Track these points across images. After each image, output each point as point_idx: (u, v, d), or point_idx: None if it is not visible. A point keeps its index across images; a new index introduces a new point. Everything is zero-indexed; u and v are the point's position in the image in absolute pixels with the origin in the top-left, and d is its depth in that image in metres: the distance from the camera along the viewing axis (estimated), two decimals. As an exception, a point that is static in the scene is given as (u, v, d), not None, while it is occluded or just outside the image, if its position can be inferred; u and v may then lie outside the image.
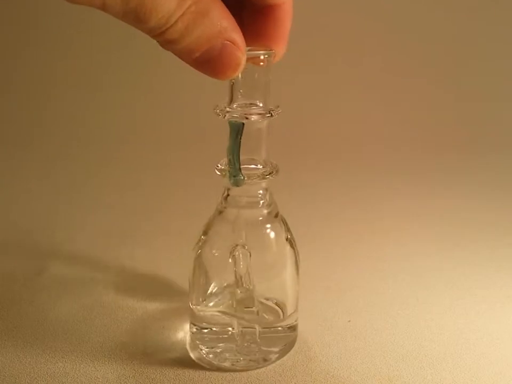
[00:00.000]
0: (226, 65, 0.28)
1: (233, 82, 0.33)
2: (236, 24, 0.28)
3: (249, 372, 0.38)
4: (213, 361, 0.38)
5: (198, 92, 0.88)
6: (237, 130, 0.33)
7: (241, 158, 0.34)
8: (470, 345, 0.41)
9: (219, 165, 0.35)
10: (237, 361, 0.38)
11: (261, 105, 0.33)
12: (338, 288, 0.49)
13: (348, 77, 0.93)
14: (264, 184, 0.36)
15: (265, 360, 0.38)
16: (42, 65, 0.93)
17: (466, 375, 0.38)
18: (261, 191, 0.36)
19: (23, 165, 0.80)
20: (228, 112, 0.33)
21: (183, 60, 0.28)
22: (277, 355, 0.39)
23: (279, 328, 0.39)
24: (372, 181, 0.75)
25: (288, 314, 0.39)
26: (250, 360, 0.38)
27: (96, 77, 0.94)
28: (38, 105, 0.91)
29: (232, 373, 0.38)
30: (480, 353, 0.40)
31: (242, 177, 0.34)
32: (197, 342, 0.39)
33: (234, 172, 0.34)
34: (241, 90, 0.33)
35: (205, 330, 0.39)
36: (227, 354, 0.38)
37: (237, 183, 0.34)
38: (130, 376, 0.37)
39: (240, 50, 0.28)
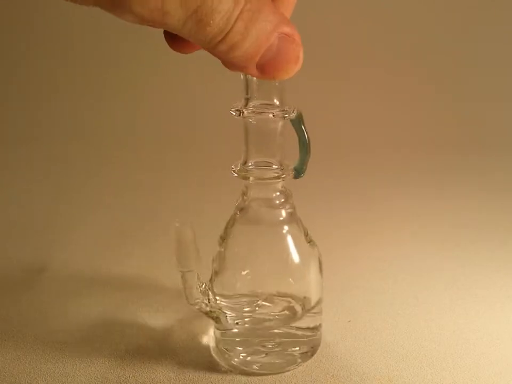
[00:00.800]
0: (287, 60, 0.26)
1: (248, 83, 0.32)
2: (285, 16, 0.26)
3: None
4: (238, 364, 0.38)
5: (197, 93, 0.88)
6: (300, 121, 0.33)
7: (254, 156, 0.34)
8: (470, 345, 0.41)
9: (233, 167, 0.35)
10: (262, 364, 0.38)
11: (278, 103, 0.33)
12: (338, 288, 0.49)
13: (350, 78, 0.93)
14: (280, 184, 0.36)
15: (291, 362, 0.38)
16: (43, 67, 0.93)
17: (466, 375, 0.38)
18: (278, 192, 0.36)
19: (23, 165, 0.80)
20: (243, 112, 0.33)
21: (245, 71, 0.27)
22: (302, 357, 0.38)
23: (303, 330, 0.38)
24: (372, 182, 0.75)
25: (313, 315, 0.38)
26: (275, 362, 0.38)
27: (96, 78, 0.94)
28: (39, 107, 0.91)
29: (255, 377, 0.38)
30: (480, 353, 0.40)
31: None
32: (222, 346, 0.39)
33: (306, 164, 0.35)
34: (255, 95, 0.32)
35: (229, 333, 0.38)
36: (252, 357, 0.38)
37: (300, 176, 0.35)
38: (130, 376, 0.37)
39: (296, 42, 0.26)
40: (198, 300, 0.35)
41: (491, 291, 0.48)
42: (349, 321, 0.44)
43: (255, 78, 0.31)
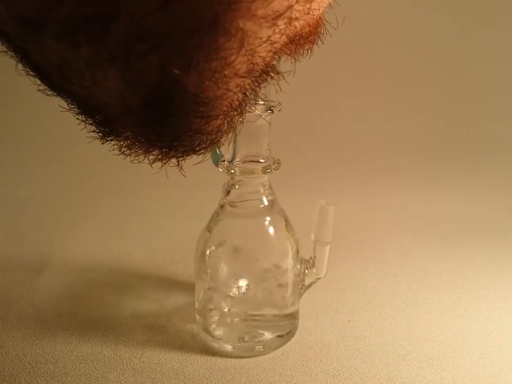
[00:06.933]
0: None
1: None
2: None
3: (250, 367, 0.38)
4: (219, 348, 0.39)
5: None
6: None
7: (241, 151, 0.36)
8: (470, 345, 0.41)
9: (220, 163, 0.37)
10: (241, 347, 0.39)
11: (262, 102, 0.34)
12: (338, 288, 0.49)
13: (352, 78, 0.93)
14: (266, 177, 0.37)
15: (268, 346, 0.40)
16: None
17: (466, 375, 0.38)
18: (262, 185, 0.37)
19: (23, 166, 0.80)
20: None
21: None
22: (279, 342, 0.40)
23: (281, 316, 0.40)
24: (372, 181, 0.75)
25: (290, 302, 0.40)
26: (254, 346, 0.39)
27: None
28: (39, 106, 0.91)
29: (235, 360, 0.39)
30: (480, 353, 0.40)
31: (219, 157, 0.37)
32: (203, 329, 0.40)
33: (214, 152, 0.36)
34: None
35: (211, 319, 0.40)
36: (231, 341, 0.39)
37: (214, 163, 0.37)
38: (130, 376, 0.37)
39: None
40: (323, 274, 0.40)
41: (491, 291, 0.48)
42: (349, 321, 0.44)
43: None
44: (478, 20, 0.93)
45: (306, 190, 0.71)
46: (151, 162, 0.26)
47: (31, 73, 0.24)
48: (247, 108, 0.26)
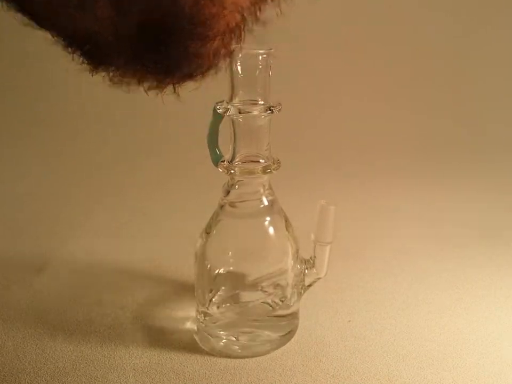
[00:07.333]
0: None
1: (233, 79, 0.33)
2: None
3: (250, 367, 0.38)
4: (219, 348, 0.39)
5: (194, 93, 0.88)
6: (220, 118, 0.35)
7: (241, 151, 0.36)
8: (470, 345, 0.41)
9: (220, 163, 0.37)
10: (242, 347, 0.39)
11: (262, 102, 0.34)
12: (338, 288, 0.49)
13: (352, 78, 0.92)
14: (266, 177, 0.37)
15: (268, 346, 0.40)
16: (43, 72, 0.93)
17: (466, 375, 0.38)
18: (262, 185, 0.37)
19: (23, 166, 0.80)
20: (228, 108, 0.34)
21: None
22: (279, 342, 0.40)
23: (281, 316, 0.40)
24: (373, 182, 0.75)
25: (290, 302, 0.40)
26: (254, 346, 0.39)
27: (95, 81, 0.94)
28: (39, 106, 0.91)
29: (235, 360, 0.39)
30: (480, 353, 0.40)
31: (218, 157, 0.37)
32: (203, 330, 0.40)
33: (213, 152, 0.37)
34: (240, 92, 0.34)
35: (211, 319, 0.40)
36: (231, 341, 0.39)
37: (214, 163, 0.37)
38: (130, 376, 0.37)
39: None
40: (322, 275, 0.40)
41: (491, 291, 0.48)
42: (349, 321, 0.44)
43: (240, 75, 0.33)
44: (478, 20, 0.93)
45: (306, 190, 0.71)
46: (146, 90, 0.26)
47: (9, 4, 0.23)
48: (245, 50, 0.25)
